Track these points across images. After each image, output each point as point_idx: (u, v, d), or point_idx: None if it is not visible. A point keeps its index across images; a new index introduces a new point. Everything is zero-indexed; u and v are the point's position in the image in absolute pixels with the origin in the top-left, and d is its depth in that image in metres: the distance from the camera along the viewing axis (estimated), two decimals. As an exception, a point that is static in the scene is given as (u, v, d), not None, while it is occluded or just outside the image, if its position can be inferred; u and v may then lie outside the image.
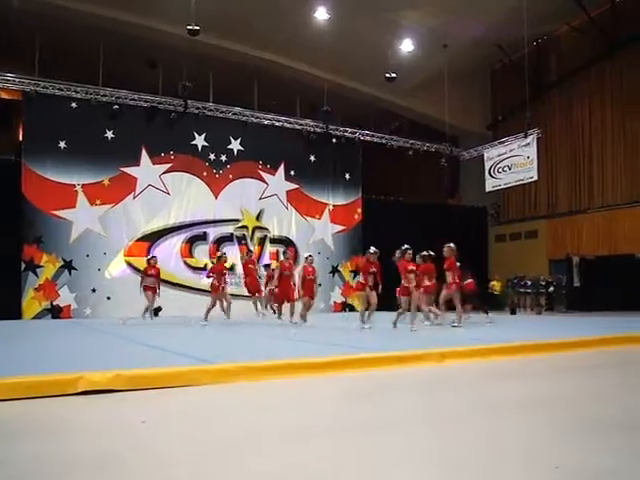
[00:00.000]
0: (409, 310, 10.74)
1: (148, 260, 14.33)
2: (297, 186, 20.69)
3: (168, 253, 18.16)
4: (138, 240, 17.87)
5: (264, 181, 20.12)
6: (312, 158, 21.04)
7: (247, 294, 14.33)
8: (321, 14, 18.06)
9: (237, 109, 19.69)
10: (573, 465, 2.53)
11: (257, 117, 20.06)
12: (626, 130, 20.87)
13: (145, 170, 18.16)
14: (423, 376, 5.49)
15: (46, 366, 5.05)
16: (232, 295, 14.73)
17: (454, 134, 24.34)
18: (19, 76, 16.72)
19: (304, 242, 20.26)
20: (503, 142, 21.25)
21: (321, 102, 20.79)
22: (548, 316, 17.76)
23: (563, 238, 22.78)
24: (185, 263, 18.41)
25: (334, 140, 21.43)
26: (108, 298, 17.09)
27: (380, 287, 10.86)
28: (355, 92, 22.46)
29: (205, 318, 12.40)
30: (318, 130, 21.03)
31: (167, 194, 18.46)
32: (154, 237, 18.11)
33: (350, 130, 21.83)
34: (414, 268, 10.59)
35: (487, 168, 21.75)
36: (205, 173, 19.14)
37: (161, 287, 17.65)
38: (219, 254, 13.80)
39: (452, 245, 11.11)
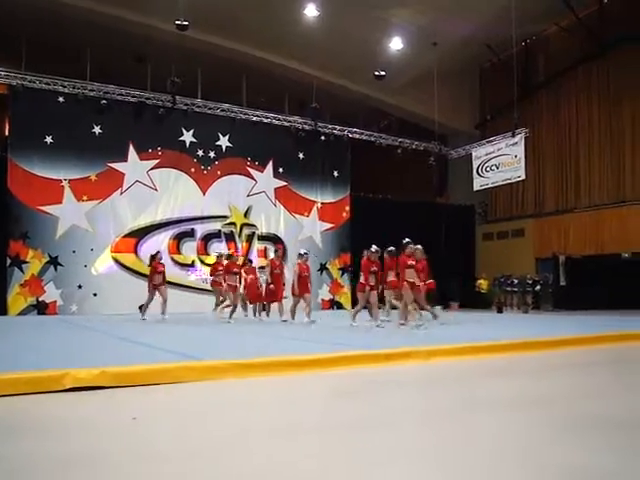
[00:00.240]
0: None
1: (154, 256, 13.56)
2: (285, 183, 20.66)
3: (155, 249, 17.95)
4: (125, 236, 17.77)
5: (252, 178, 20.07)
6: (301, 155, 21.02)
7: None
8: (311, 11, 18.03)
9: (225, 105, 19.61)
10: (567, 463, 2.53)
11: (246, 113, 20.00)
12: (613, 130, 21.02)
13: (132, 166, 18.05)
14: (411, 374, 5.49)
15: (31, 363, 5.00)
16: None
17: (443, 133, 24.40)
18: (5, 70, 16.55)
19: (292, 239, 20.24)
20: (491, 141, 21.33)
21: (310, 99, 20.76)
22: (535, 315, 17.86)
23: (550, 237, 22.91)
24: (173, 260, 18.32)
25: (323, 137, 21.41)
26: (94, 294, 16.98)
27: (382, 287, 10.84)
28: (344, 90, 22.44)
29: (230, 317, 12.28)
30: (307, 127, 21.00)
31: (155, 190, 18.37)
32: (141, 233, 18.02)
33: (339, 128, 21.82)
34: (413, 263, 10.40)
35: (475, 167, 21.81)
36: (193, 169, 19.06)
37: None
38: (227, 254, 13.63)
39: (421, 247, 11.11)
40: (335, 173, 21.72)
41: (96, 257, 17.24)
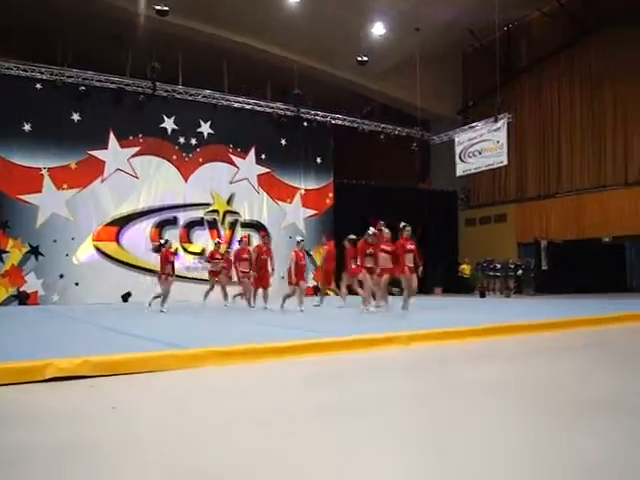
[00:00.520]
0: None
1: (164, 244, 12.63)
2: (268, 170, 20.57)
3: (138, 238, 17.96)
4: (107, 225, 17.60)
5: (235, 165, 19.95)
6: (283, 142, 20.92)
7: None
8: (292, -5, 17.88)
9: (207, 92, 19.43)
10: (549, 446, 2.56)
11: (227, 100, 19.84)
12: (594, 113, 21.19)
13: (113, 153, 17.85)
14: (392, 359, 5.52)
15: (13, 353, 4.95)
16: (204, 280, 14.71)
17: (425, 118, 24.40)
18: (-19, 56, 16.26)
19: (276, 226, 20.20)
20: (473, 127, 21.36)
21: (292, 85, 20.65)
22: (517, 299, 18.03)
23: (532, 222, 23.10)
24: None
25: (305, 124, 21.32)
26: (76, 284, 16.84)
27: (379, 269, 10.68)
28: (326, 75, 22.35)
29: (250, 304, 12.39)
30: (289, 113, 20.89)
31: (136, 178, 18.19)
32: (123, 222, 17.86)
33: (321, 114, 21.73)
34: (412, 247, 10.16)
35: (457, 152, 21.86)
36: (175, 157, 18.89)
37: (131, 272, 17.68)
38: (239, 239, 13.37)
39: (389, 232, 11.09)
40: (318, 159, 21.66)
41: (77, 246, 17.07)
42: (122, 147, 18.00)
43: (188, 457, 2.50)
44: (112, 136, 17.81)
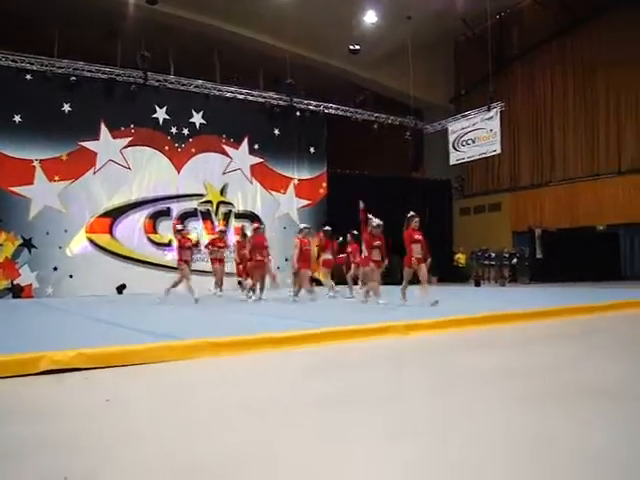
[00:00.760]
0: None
1: (180, 231, 12.34)
2: (261, 160, 20.46)
3: (131, 229, 17.85)
4: (100, 216, 17.46)
5: (228, 155, 19.84)
6: (276, 132, 20.80)
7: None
8: (284, -16, 17.75)
9: (199, 82, 19.27)
10: (548, 433, 2.54)
11: (219, 90, 19.68)
12: (587, 101, 21.19)
13: (105, 144, 17.70)
14: (389, 348, 5.50)
15: (7, 346, 4.90)
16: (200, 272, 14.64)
17: (418, 107, 24.33)
18: (-30, 47, 16.07)
19: (269, 217, 20.10)
20: (466, 115, 21.32)
21: (285, 75, 20.51)
22: (512, 287, 18.07)
23: (526, 211, 23.14)
24: (149, 239, 18.11)
25: (298, 113, 21.19)
26: (70, 276, 16.73)
27: (386, 261, 10.58)
28: (319, 64, 22.22)
29: (260, 296, 12.23)
30: (282, 103, 20.76)
31: (128, 169, 18.05)
32: (116, 213, 17.73)
33: (314, 103, 21.59)
34: (420, 238, 9.97)
35: (451, 141, 21.82)
36: (167, 147, 18.76)
37: (125, 264, 17.59)
38: (254, 227, 13.08)
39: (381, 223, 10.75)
40: (311, 149, 21.56)
41: (70, 238, 16.96)
42: (114, 138, 17.85)
43: (184, 448, 2.47)
44: (103, 127, 17.66)
